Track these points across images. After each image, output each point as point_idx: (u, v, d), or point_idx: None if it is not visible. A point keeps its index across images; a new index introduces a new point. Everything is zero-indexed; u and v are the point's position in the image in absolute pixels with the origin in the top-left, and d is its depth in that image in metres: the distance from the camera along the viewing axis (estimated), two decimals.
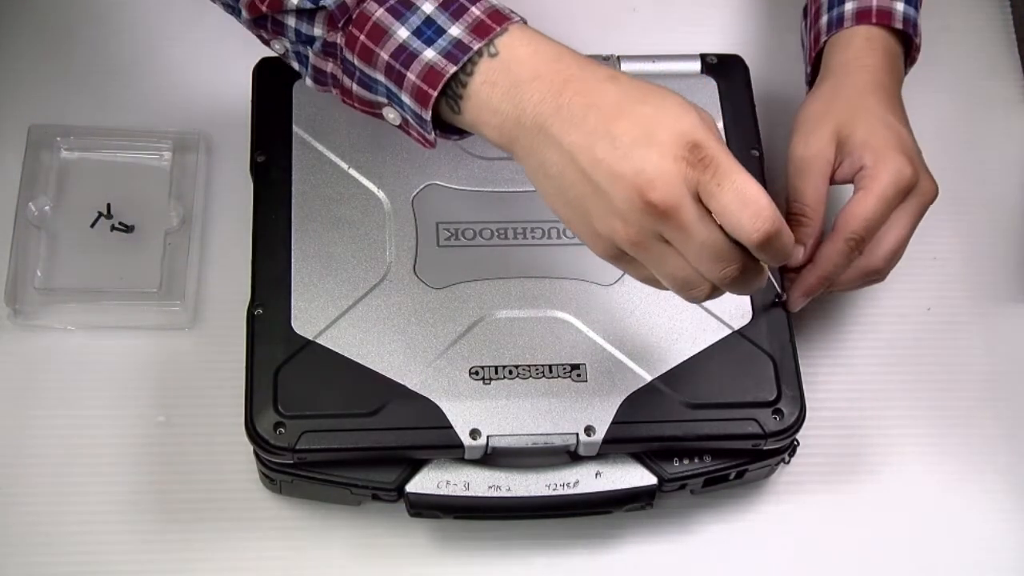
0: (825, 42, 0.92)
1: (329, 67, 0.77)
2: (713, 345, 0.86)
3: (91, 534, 0.86)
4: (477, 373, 0.84)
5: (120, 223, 0.94)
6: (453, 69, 0.71)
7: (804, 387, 0.85)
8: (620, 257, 0.72)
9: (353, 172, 0.90)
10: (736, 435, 0.84)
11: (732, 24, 1.08)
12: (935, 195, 0.88)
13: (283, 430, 0.81)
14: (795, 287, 0.87)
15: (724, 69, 0.96)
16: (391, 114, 0.76)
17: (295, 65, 0.79)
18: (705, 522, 0.89)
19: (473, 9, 0.72)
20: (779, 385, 0.85)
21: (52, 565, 0.85)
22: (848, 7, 0.92)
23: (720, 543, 0.89)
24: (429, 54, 0.71)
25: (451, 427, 0.82)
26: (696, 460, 0.84)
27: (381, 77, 0.73)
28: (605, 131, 0.69)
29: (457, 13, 0.72)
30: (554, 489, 0.83)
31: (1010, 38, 1.09)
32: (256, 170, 0.90)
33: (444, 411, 0.82)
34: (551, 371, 0.84)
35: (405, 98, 0.73)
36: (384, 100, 0.75)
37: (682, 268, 0.71)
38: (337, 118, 0.91)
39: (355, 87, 0.76)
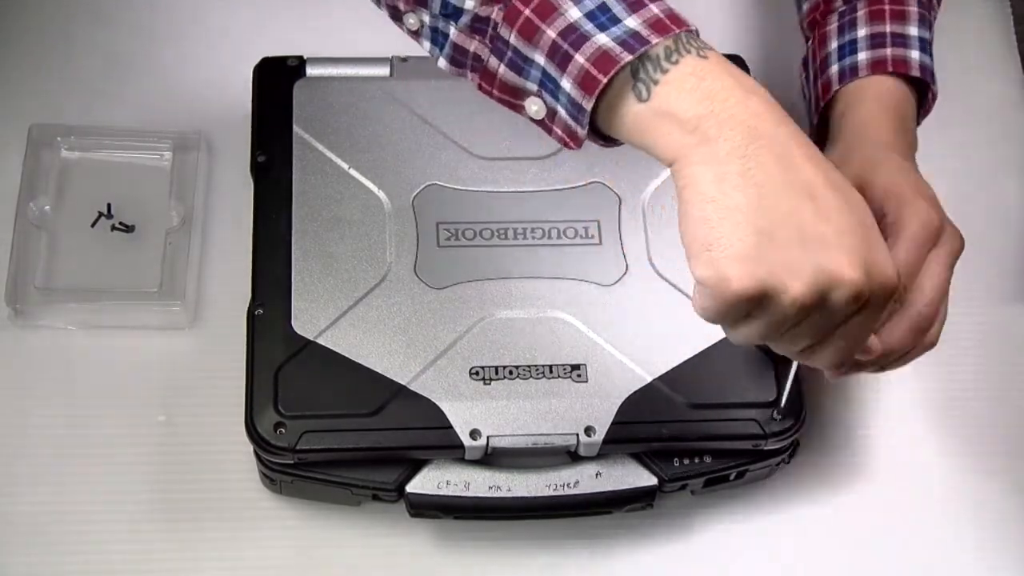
0: (836, 91, 0.90)
1: (473, 46, 0.70)
2: (713, 345, 0.86)
3: (91, 534, 0.86)
4: (477, 373, 0.84)
5: (120, 223, 0.94)
6: (628, 58, 0.64)
7: (804, 387, 0.85)
8: (750, 301, 0.64)
9: (353, 172, 0.90)
10: (736, 435, 0.84)
11: (732, 24, 1.08)
12: (962, 246, 0.83)
13: (283, 430, 0.81)
14: None
15: None
16: (534, 106, 0.69)
17: (425, 44, 0.73)
18: (705, 522, 0.89)
19: (651, 6, 0.66)
20: (779, 385, 0.85)
21: (52, 565, 0.85)
22: (861, 57, 0.89)
23: (720, 543, 0.89)
24: (602, 38, 0.65)
25: (451, 427, 0.82)
26: (696, 460, 0.84)
27: (540, 58, 0.67)
28: (840, 188, 0.65)
29: (634, 6, 0.66)
30: (554, 489, 0.83)
31: (1010, 38, 1.09)
32: (256, 170, 0.90)
33: (444, 411, 0.82)
34: (551, 371, 0.84)
35: (566, 83, 0.66)
36: (533, 87, 0.69)
37: (799, 340, 0.67)
38: (338, 118, 0.91)
39: (502, 69, 0.69)
